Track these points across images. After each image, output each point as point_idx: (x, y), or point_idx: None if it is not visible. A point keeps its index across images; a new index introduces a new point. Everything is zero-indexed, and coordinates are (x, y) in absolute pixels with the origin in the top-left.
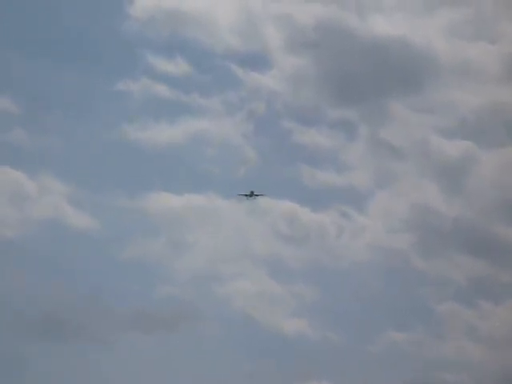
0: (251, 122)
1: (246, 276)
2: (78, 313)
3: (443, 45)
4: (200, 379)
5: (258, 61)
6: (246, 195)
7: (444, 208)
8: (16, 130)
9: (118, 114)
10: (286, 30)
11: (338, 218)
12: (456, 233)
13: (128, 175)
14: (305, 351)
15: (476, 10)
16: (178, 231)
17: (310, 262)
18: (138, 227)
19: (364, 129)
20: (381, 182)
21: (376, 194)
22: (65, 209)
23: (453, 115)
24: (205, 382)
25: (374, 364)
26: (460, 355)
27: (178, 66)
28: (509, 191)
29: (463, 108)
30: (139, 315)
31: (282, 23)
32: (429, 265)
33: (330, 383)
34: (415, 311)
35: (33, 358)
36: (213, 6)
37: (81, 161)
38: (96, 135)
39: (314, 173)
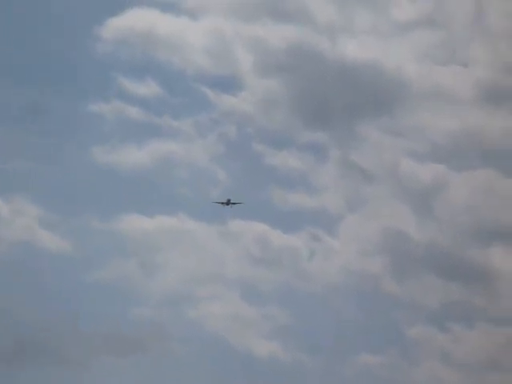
0: (222, 144)
1: (218, 298)
2: (51, 336)
3: (415, 68)
4: None
5: (229, 83)
6: (223, 203)
7: (416, 231)
8: None
9: (90, 136)
10: (258, 52)
11: (310, 240)
12: (428, 256)
13: (100, 197)
14: (277, 374)
15: (448, 33)
16: (150, 253)
17: (281, 285)
18: (109, 249)
19: (335, 152)
20: (352, 204)
21: (347, 216)
22: (37, 231)
23: (424, 138)
24: None
25: None
26: (432, 379)
27: (149, 88)
28: (481, 215)
29: (435, 131)
30: (112, 337)
31: (254, 46)
32: (401, 288)
33: None
34: (388, 334)
35: (6, 382)
36: (184, 28)
37: (53, 183)
38: (68, 158)
39: (286, 195)
